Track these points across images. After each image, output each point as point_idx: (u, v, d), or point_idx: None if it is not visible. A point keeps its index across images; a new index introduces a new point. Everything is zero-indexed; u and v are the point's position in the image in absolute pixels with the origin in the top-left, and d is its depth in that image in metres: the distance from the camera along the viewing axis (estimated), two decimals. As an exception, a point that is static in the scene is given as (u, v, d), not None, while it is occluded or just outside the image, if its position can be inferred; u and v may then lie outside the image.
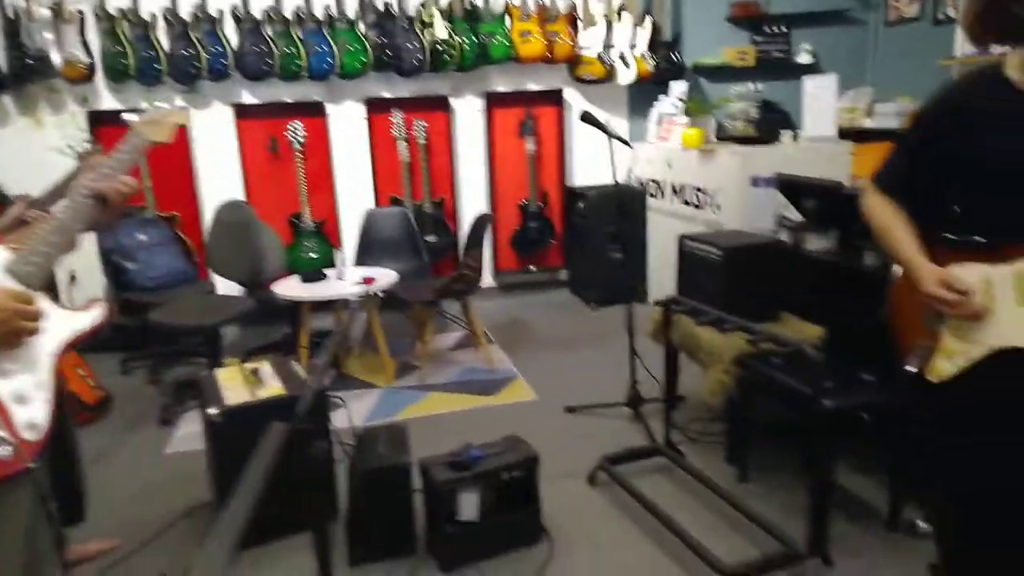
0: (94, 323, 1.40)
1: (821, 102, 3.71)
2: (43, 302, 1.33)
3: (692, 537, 2.19)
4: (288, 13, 4.53)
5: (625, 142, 2.90)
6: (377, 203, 5.03)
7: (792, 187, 2.86)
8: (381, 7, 4.65)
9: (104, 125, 4.55)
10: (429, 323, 3.96)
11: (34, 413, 1.27)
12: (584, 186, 5.26)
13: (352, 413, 3.27)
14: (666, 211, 4.79)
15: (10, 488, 1.26)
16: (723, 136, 5.12)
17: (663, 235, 4.72)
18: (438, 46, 4.67)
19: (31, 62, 4.29)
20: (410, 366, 4.04)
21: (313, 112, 4.85)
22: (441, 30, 4.66)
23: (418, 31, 4.65)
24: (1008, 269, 1.35)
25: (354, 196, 5.00)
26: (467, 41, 4.71)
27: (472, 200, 5.25)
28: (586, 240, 5.08)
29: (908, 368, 1.51)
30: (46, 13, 4.30)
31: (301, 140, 4.70)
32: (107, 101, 4.60)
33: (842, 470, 2.67)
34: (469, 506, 2.26)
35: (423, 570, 2.26)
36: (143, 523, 2.54)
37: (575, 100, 5.26)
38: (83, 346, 1.55)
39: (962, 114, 1.42)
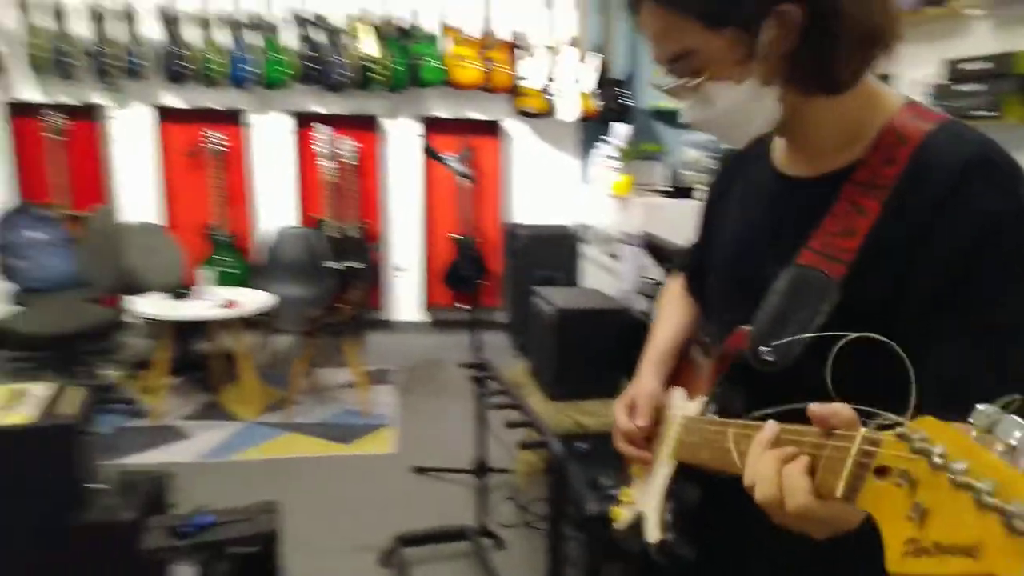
0: None
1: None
2: None
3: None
4: (212, 15, 4.37)
5: (469, 178, 2.58)
6: (303, 221, 4.79)
7: (657, 249, 2.50)
8: (311, 17, 4.44)
9: (20, 116, 4.43)
10: (306, 355, 3.66)
11: None
12: (523, 224, 4.94)
13: (197, 447, 3.09)
14: (595, 260, 4.43)
15: None
16: (679, 185, 4.77)
17: (590, 286, 4.36)
18: (365, 63, 4.44)
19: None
20: (289, 401, 3.74)
21: (236, 121, 4.65)
22: (370, 46, 4.43)
23: (344, 45, 4.43)
24: (693, 406, 0.90)
25: (275, 212, 4.77)
26: (398, 61, 4.47)
27: (402, 228, 4.98)
28: (520, 283, 4.75)
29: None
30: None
31: (220, 149, 4.51)
32: (26, 92, 4.46)
33: None
34: (184, 581, 1.93)
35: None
36: None
37: (518, 133, 4.96)
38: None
39: (725, 184, 1.01)
